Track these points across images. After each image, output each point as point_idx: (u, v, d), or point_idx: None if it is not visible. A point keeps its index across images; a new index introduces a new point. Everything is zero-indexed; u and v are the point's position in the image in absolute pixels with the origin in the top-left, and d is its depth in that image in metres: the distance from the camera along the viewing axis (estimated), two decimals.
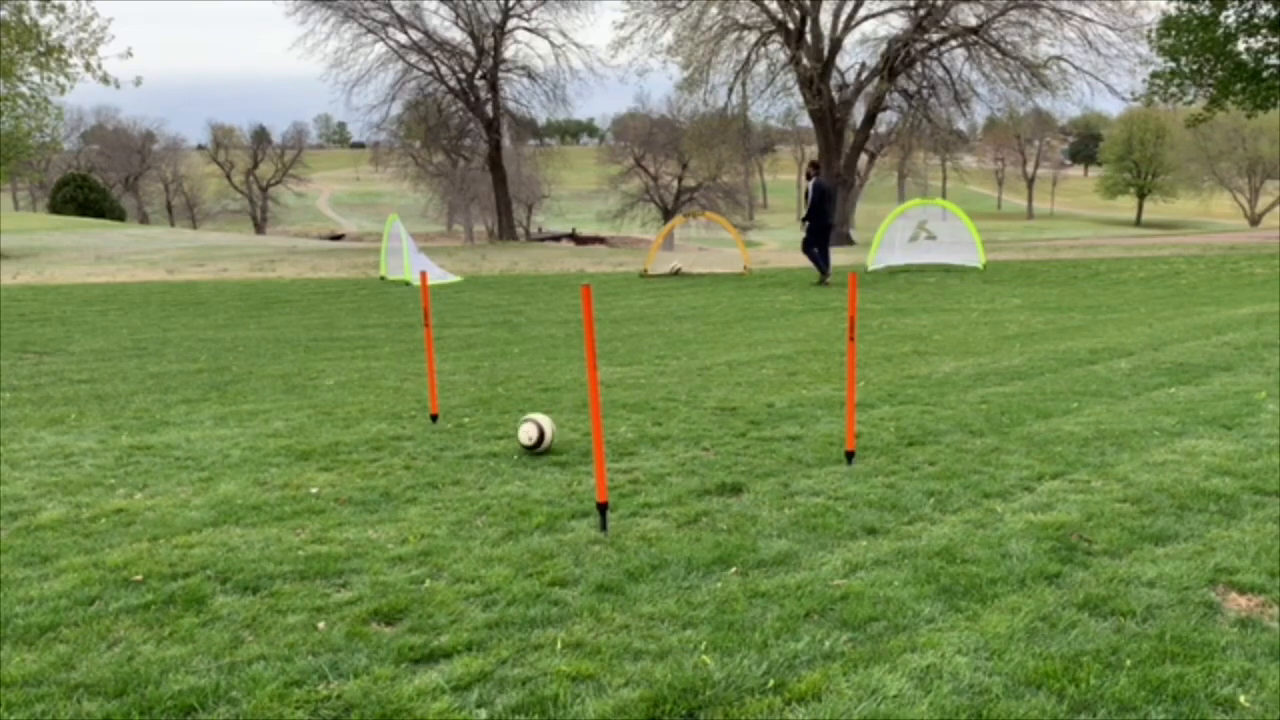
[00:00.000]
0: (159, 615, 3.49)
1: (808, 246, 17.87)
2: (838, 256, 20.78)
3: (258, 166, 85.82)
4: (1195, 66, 29.24)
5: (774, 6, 35.16)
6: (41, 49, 27.07)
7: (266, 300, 16.23)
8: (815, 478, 5.13)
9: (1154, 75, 30.64)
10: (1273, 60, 28.51)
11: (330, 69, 40.31)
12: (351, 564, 3.95)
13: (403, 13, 38.77)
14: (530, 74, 41.00)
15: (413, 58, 39.74)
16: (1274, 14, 27.79)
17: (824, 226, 17.77)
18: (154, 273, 22.09)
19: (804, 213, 17.90)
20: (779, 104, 38.38)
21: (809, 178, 18.05)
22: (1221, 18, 28.50)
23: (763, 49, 35.96)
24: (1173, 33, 29.07)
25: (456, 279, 19.36)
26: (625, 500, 4.74)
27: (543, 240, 53.68)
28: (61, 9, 27.22)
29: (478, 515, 4.57)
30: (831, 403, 7.01)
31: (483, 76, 40.37)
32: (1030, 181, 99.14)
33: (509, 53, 40.82)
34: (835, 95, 35.71)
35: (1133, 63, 31.94)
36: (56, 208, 55.78)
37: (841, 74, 36.45)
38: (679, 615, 3.43)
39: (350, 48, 38.64)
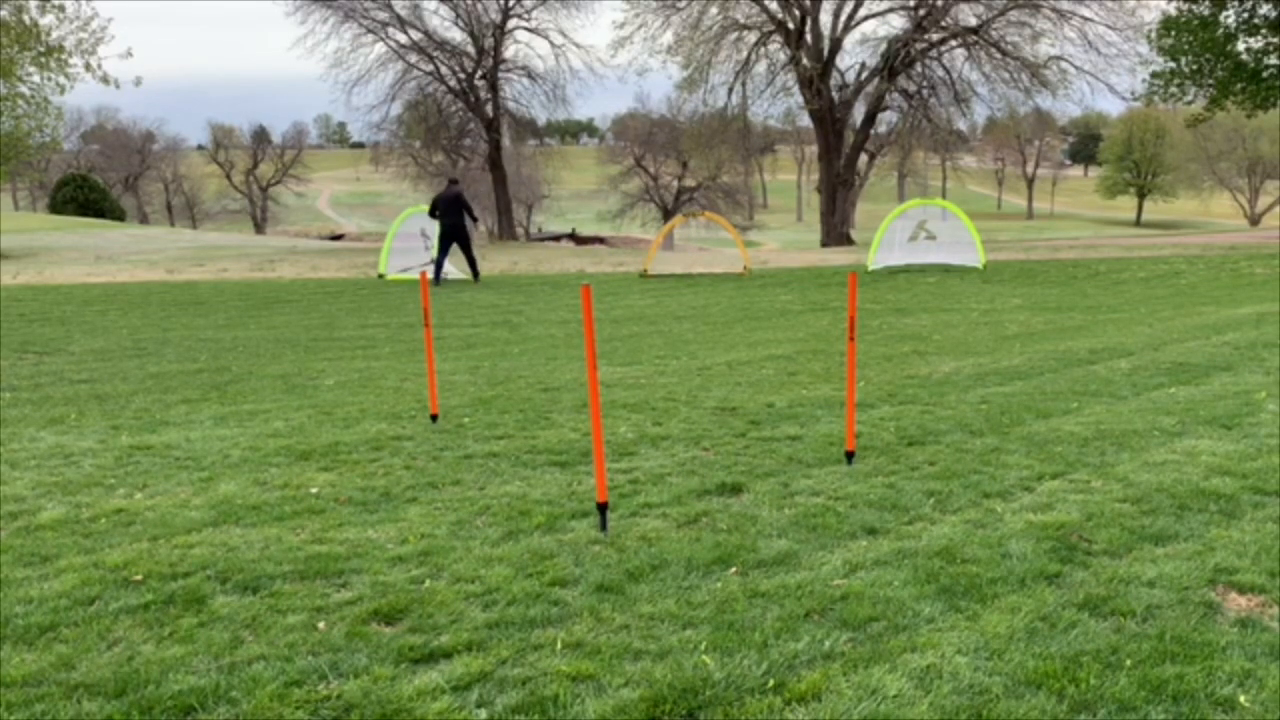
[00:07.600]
0: (159, 615, 3.49)
1: (466, 252, 18.93)
2: (839, 256, 20.78)
3: (257, 166, 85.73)
4: (1195, 66, 29.24)
5: (774, 6, 35.12)
6: (41, 49, 27.02)
7: (266, 300, 16.23)
8: (815, 478, 5.13)
9: (1154, 75, 30.65)
10: (1273, 60, 28.51)
11: (330, 69, 40.17)
12: (351, 564, 3.95)
13: (403, 13, 38.71)
14: (530, 74, 40.95)
15: (413, 58, 39.68)
16: (1274, 14, 27.79)
17: (464, 232, 18.88)
18: (154, 273, 22.08)
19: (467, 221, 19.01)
20: (779, 104, 38.35)
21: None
22: (1221, 18, 28.50)
23: (763, 49, 35.91)
24: (1173, 33, 29.08)
25: (464, 277, 19.37)
26: (625, 500, 4.74)
27: (543, 240, 53.68)
28: (61, 9, 27.18)
29: (478, 515, 4.57)
30: (831, 403, 7.01)
31: (483, 76, 40.33)
32: (1030, 181, 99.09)
33: (509, 53, 40.79)
34: (835, 95, 35.66)
35: (1133, 62, 31.89)
36: (56, 208, 55.67)
37: (841, 74, 36.40)
38: (679, 615, 3.43)
39: (350, 48, 38.58)
